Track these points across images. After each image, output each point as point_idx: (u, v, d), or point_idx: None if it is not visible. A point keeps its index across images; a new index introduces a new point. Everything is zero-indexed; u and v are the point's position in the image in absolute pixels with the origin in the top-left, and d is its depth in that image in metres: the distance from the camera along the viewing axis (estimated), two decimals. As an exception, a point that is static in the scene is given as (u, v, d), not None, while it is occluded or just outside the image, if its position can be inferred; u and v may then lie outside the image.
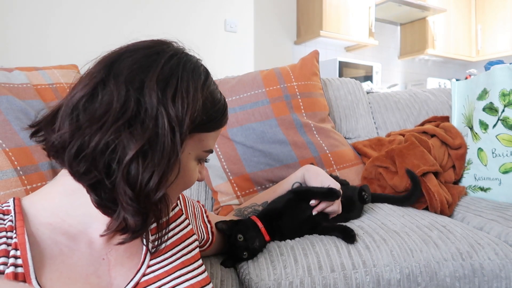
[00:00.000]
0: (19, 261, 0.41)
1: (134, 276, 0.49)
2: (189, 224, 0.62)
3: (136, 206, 0.41)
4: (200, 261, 0.58)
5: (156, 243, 0.50)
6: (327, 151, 1.13)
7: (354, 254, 0.72)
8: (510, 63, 1.17)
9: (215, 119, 0.51)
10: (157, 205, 0.44)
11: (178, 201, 0.65)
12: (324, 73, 2.99)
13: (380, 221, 0.85)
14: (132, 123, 0.41)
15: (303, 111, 1.17)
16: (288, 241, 0.77)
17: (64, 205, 0.47)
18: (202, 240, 0.69)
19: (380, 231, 0.80)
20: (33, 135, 0.47)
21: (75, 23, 2.20)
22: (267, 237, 0.77)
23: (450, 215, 1.00)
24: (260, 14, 3.02)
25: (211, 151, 0.53)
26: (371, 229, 0.81)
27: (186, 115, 0.44)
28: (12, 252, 0.42)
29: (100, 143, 0.40)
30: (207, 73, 0.51)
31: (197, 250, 0.60)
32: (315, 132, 1.16)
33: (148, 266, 0.51)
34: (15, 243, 0.43)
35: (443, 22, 3.77)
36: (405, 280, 0.70)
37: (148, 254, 0.52)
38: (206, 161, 0.56)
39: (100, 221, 0.47)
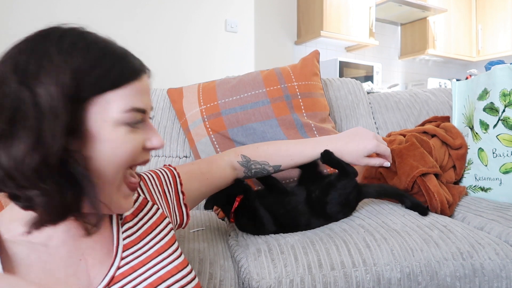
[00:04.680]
0: None
1: (109, 271, 0.48)
2: (158, 209, 0.60)
3: (23, 186, 0.41)
4: (175, 245, 0.57)
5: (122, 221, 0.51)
6: (328, 151, 1.13)
7: (354, 252, 0.72)
8: (510, 63, 1.17)
9: (106, 75, 0.45)
10: (51, 178, 0.42)
11: (139, 189, 0.62)
12: (325, 73, 3.00)
13: (381, 220, 0.86)
14: None
15: (303, 111, 1.17)
16: (288, 239, 0.78)
17: (28, 217, 0.47)
18: (177, 219, 0.68)
19: (381, 230, 0.80)
20: None
21: (74, 23, 2.20)
22: (231, 220, 0.86)
23: (450, 215, 1.00)
24: (260, 14, 3.03)
25: (138, 110, 0.47)
26: (372, 228, 0.81)
27: (54, 85, 0.41)
28: None
29: None
30: (70, 35, 0.46)
31: (172, 233, 0.58)
32: (315, 132, 1.16)
33: (122, 258, 0.50)
34: None
35: (443, 22, 3.77)
36: (405, 279, 0.70)
37: (120, 246, 0.51)
38: (139, 122, 0.48)
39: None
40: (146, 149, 0.50)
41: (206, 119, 1.15)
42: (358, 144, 0.81)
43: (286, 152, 0.83)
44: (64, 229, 0.48)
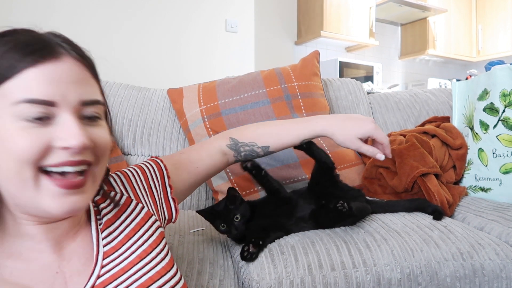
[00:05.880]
0: None
1: (89, 280, 0.46)
2: (143, 207, 0.57)
3: None
4: (162, 244, 0.54)
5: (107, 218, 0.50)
6: (328, 151, 1.13)
7: (355, 253, 0.72)
8: (510, 64, 1.17)
9: None
10: None
11: (122, 188, 0.59)
12: (325, 73, 3.00)
13: (381, 221, 0.86)
14: None
15: (303, 111, 1.17)
16: (289, 240, 0.78)
17: None
18: (165, 216, 0.65)
19: (381, 230, 0.80)
20: None
21: (74, 22, 2.20)
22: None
23: (450, 215, 1.00)
24: (261, 14, 3.03)
25: (35, 102, 0.41)
26: (372, 229, 0.81)
27: None
28: None
29: None
30: None
31: (158, 232, 0.56)
32: (315, 132, 1.16)
33: (102, 267, 0.48)
34: None
35: (443, 23, 3.77)
36: (405, 279, 0.70)
37: (100, 254, 0.49)
38: (42, 117, 0.42)
39: (30, 235, 0.46)
40: (57, 149, 0.42)
41: (206, 119, 1.15)
42: (353, 124, 0.74)
43: (275, 131, 0.77)
44: (33, 243, 0.46)
